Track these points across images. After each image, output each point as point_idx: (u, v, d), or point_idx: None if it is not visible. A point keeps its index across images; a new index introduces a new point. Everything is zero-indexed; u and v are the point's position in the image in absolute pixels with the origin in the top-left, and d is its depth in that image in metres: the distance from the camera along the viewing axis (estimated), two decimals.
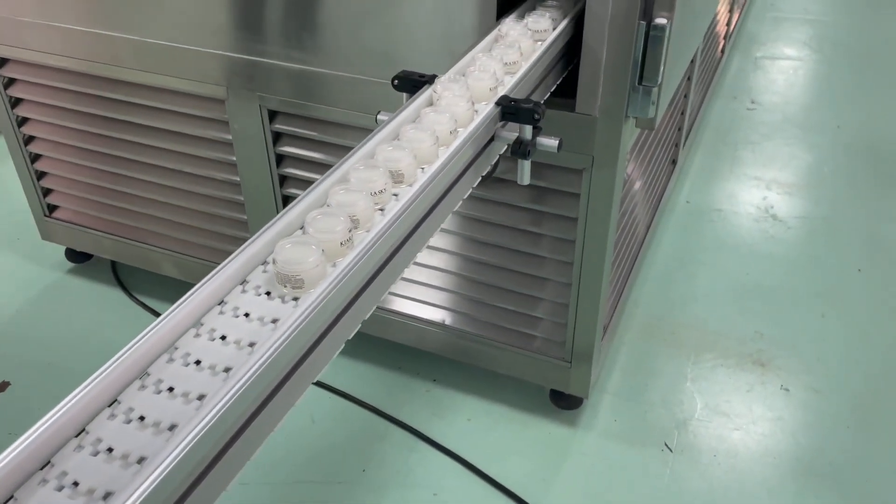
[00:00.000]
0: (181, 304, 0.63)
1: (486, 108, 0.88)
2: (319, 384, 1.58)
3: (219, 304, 0.67)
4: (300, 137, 1.44)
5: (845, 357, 1.67)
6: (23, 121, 1.70)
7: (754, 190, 2.26)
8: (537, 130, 0.89)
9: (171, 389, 0.59)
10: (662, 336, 1.72)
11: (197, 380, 0.60)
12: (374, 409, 1.54)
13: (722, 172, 2.35)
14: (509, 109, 0.88)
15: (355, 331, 0.72)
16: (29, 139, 1.73)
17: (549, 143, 0.91)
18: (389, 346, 1.62)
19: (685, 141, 2.14)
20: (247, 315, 0.66)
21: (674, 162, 2.08)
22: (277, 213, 1.53)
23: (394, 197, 0.79)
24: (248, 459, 0.61)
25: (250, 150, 1.48)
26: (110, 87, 1.54)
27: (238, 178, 1.53)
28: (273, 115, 1.43)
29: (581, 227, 1.26)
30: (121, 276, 1.89)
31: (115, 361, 0.58)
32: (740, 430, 1.50)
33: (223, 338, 0.64)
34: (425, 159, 0.82)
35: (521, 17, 1.11)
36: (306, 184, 1.46)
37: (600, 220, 1.24)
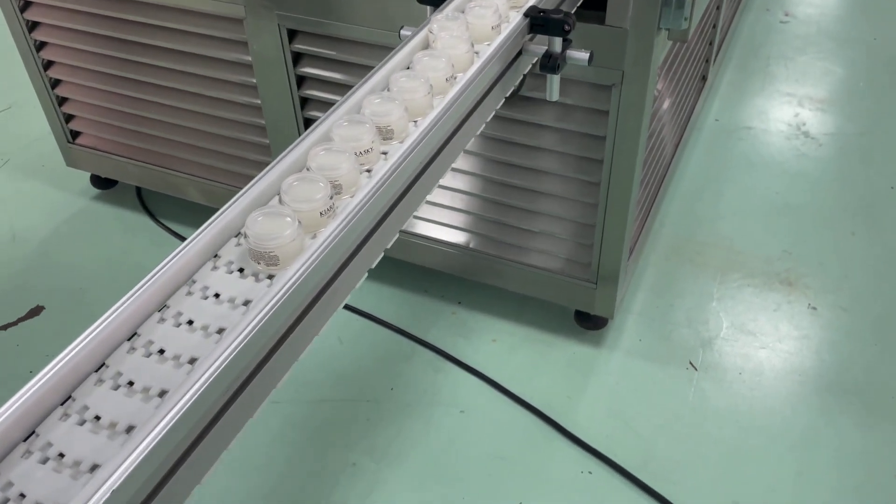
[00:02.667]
0: (144, 284, 0.58)
1: (515, 19, 0.84)
2: (346, 306, 1.60)
3: (187, 284, 0.62)
4: (321, 58, 1.41)
5: (874, 275, 1.65)
6: (41, 45, 1.68)
7: (786, 106, 2.20)
8: (567, 43, 0.86)
9: (117, 388, 0.55)
10: (689, 256, 1.71)
11: (159, 372, 0.56)
12: (401, 330, 1.56)
13: (753, 89, 2.28)
14: (538, 21, 0.85)
15: (344, 301, 0.67)
16: (48, 64, 1.71)
17: (579, 56, 0.88)
18: (414, 269, 1.62)
19: (716, 56, 2.07)
20: (217, 296, 0.60)
21: (704, 78, 2.02)
22: (300, 136, 1.52)
23: (382, 156, 0.71)
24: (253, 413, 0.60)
25: (270, 71, 1.45)
26: (127, 8, 1.51)
27: (259, 102, 1.51)
28: (292, 34, 1.40)
29: (609, 146, 1.24)
30: (146, 201, 1.90)
31: (66, 354, 0.55)
32: (766, 349, 1.50)
33: (189, 323, 0.58)
34: (418, 112, 0.75)
35: None
36: (328, 106, 1.44)
37: (629, 139, 1.21)
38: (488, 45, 0.83)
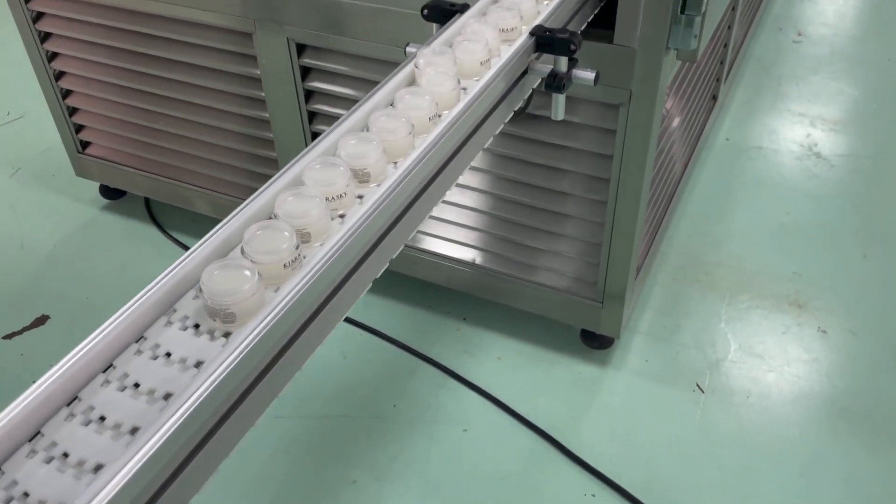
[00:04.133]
0: (90, 343, 0.54)
1: (520, 38, 0.84)
2: (350, 321, 1.59)
3: (137, 342, 0.57)
4: (329, 72, 1.41)
5: (885, 299, 1.63)
6: (53, 56, 1.70)
7: (797, 126, 2.18)
8: (573, 62, 0.86)
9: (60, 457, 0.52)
10: (697, 276, 1.69)
11: (97, 444, 0.52)
12: (405, 346, 1.55)
13: (764, 108, 2.26)
14: (544, 40, 0.84)
15: (303, 362, 0.62)
16: (60, 75, 1.72)
17: (585, 75, 0.87)
18: (420, 284, 1.61)
19: (727, 75, 2.06)
20: (168, 356, 0.56)
21: (714, 97, 2.01)
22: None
23: (358, 200, 0.66)
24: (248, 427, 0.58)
25: (279, 85, 1.45)
26: (139, 20, 1.52)
27: (267, 115, 1.52)
28: (301, 48, 1.40)
29: (616, 165, 1.23)
30: (154, 212, 1.91)
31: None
32: (774, 372, 1.48)
33: (136, 386, 0.54)
34: (398, 153, 0.71)
35: None
36: (335, 120, 1.44)
37: (636, 158, 1.20)
38: (477, 80, 0.79)
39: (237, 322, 0.56)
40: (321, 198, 0.63)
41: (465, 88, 0.78)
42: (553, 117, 0.92)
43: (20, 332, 1.60)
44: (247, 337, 0.54)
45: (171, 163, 1.73)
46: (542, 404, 1.43)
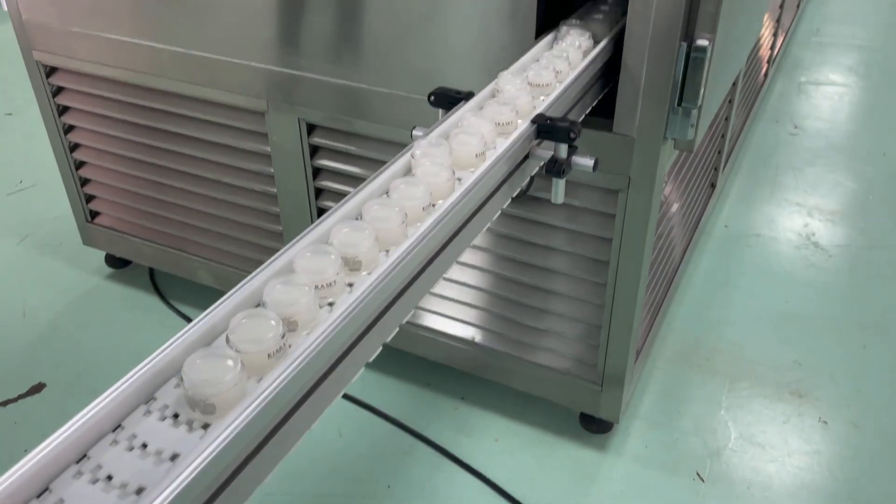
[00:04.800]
0: (63, 432, 0.53)
1: (522, 126, 0.87)
2: (347, 397, 1.58)
3: (113, 431, 0.56)
4: (337, 151, 1.45)
5: (886, 391, 1.62)
6: (69, 128, 1.75)
7: (795, 216, 2.22)
8: (573, 149, 0.89)
9: None
10: (697, 362, 1.68)
11: None
12: (401, 424, 1.53)
13: (762, 197, 2.30)
14: (545, 128, 0.87)
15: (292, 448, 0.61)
16: (74, 146, 1.77)
17: (584, 162, 0.90)
18: (418, 361, 1.61)
19: (725, 164, 2.11)
20: (144, 447, 0.54)
21: (713, 185, 2.05)
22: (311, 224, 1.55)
23: (348, 288, 0.66)
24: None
25: (288, 162, 1.49)
26: (154, 97, 1.58)
27: (275, 190, 1.55)
28: (311, 128, 1.44)
29: (616, 249, 1.25)
30: (158, 282, 1.92)
31: None
32: (775, 462, 1.46)
33: (108, 479, 0.52)
34: (390, 241, 0.71)
35: (560, 37, 1.11)
36: (341, 197, 1.47)
37: (635, 242, 1.22)
38: (472, 171, 0.81)
39: (217, 413, 0.55)
40: (310, 286, 0.63)
41: (459, 179, 0.80)
42: (553, 200, 0.95)
43: (15, 400, 1.59)
44: (225, 429, 0.52)
45: (176, 234, 1.75)
46: (539, 489, 1.40)
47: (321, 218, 0.72)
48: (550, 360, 1.43)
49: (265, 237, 1.64)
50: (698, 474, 1.43)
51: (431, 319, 1.52)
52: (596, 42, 1.10)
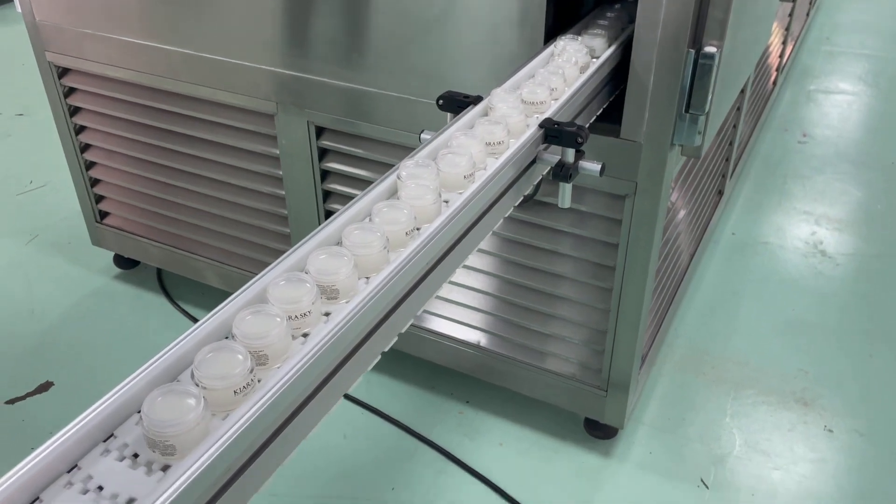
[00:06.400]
0: (16, 472, 0.50)
1: (530, 130, 0.87)
2: (352, 399, 1.59)
3: (69, 472, 0.52)
4: (345, 154, 1.46)
5: (893, 400, 1.61)
6: (80, 129, 1.76)
7: (803, 224, 2.21)
8: (580, 154, 0.89)
9: None
10: (703, 369, 1.68)
11: None
12: (406, 427, 1.54)
13: (770, 205, 2.30)
14: (552, 132, 0.88)
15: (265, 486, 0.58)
16: (85, 147, 1.78)
17: (591, 167, 0.90)
18: (423, 364, 1.61)
19: (732, 172, 2.11)
20: (100, 489, 0.51)
21: (720, 192, 2.05)
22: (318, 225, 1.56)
23: (324, 318, 0.63)
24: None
25: (296, 165, 1.50)
26: (165, 98, 1.59)
27: (283, 192, 1.56)
28: (320, 131, 1.45)
29: (622, 254, 1.25)
30: (165, 283, 1.93)
31: None
32: (780, 470, 1.45)
33: None
34: (370, 268, 0.68)
35: (558, 52, 1.11)
36: (349, 199, 1.48)
37: (642, 247, 1.23)
38: (460, 193, 0.78)
39: (177, 455, 0.52)
40: (283, 317, 0.60)
41: (447, 202, 0.78)
42: (559, 205, 0.95)
43: (23, 398, 1.60)
44: (184, 472, 0.49)
45: (185, 235, 1.76)
46: (543, 494, 1.40)
47: (298, 244, 0.69)
48: (555, 365, 1.43)
49: (273, 239, 1.64)
50: (703, 481, 1.43)
51: (436, 323, 1.52)
52: (595, 57, 1.09)
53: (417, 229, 0.74)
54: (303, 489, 1.41)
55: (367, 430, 1.54)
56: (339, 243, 0.71)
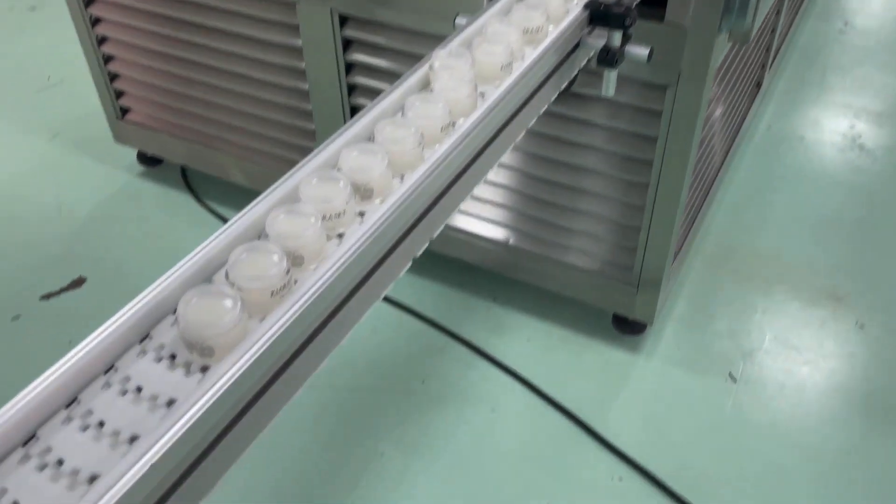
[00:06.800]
0: (51, 375, 0.49)
1: (574, 11, 0.82)
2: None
3: (105, 373, 0.52)
4: (371, 45, 1.40)
5: None
6: (96, 21, 1.70)
7: (841, 118, 2.14)
8: (627, 38, 0.84)
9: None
10: (733, 265, 1.67)
11: (51, 492, 0.46)
12: (435, 323, 1.55)
13: (808, 98, 2.22)
14: (598, 14, 0.82)
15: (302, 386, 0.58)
16: (102, 39, 1.73)
17: (638, 51, 0.85)
18: (452, 262, 1.61)
19: (772, 62, 2.01)
20: (139, 391, 0.51)
21: (758, 84, 1.97)
22: (345, 123, 1.52)
23: (359, 218, 0.61)
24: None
25: (320, 56, 1.45)
26: None
27: (307, 87, 1.51)
28: (344, 20, 1.39)
29: (660, 147, 1.21)
30: (190, 180, 1.92)
31: None
32: (809, 365, 1.46)
33: (100, 425, 0.49)
34: (405, 165, 0.65)
35: None
36: (375, 93, 1.43)
37: (682, 141, 1.18)
38: (496, 85, 0.74)
39: (216, 356, 0.51)
40: (317, 216, 0.58)
41: (482, 94, 0.74)
42: (603, 93, 0.91)
43: (57, 293, 1.62)
44: (224, 374, 0.49)
45: (208, 131, 1.73)
46: (571, 388, 1.42)
47: (328, 140, 0.66)
48: (585, 262, 1.42)
49: (297, 135, 1.61)
50: (731, 375, 1.43)
51: (464, 221, 1.50)
52: None
53: (453, 124, 0.70)
54: (333, 380, 1.44)
55: (397, 325, 1.55)
56: (370, 139, 0.68)
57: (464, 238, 1.51)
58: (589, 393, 1.41)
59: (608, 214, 1.35)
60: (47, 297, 1.62)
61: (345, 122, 1.48)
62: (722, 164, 1.75)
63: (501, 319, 1.56)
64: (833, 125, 2.11)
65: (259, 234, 0.60)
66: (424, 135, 0.67)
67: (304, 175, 0.63)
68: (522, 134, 0.82)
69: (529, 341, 1.52)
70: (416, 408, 1.39)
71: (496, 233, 1.48)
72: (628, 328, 1.50)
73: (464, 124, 0.69)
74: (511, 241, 1.47)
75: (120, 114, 1.84)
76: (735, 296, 1.59)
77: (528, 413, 1.38)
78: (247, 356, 0.50)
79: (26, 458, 0.48)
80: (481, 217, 1.48)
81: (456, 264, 1.63)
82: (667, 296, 1.52)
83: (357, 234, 0.58)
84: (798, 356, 1.47)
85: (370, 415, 1.38)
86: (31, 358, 1.45)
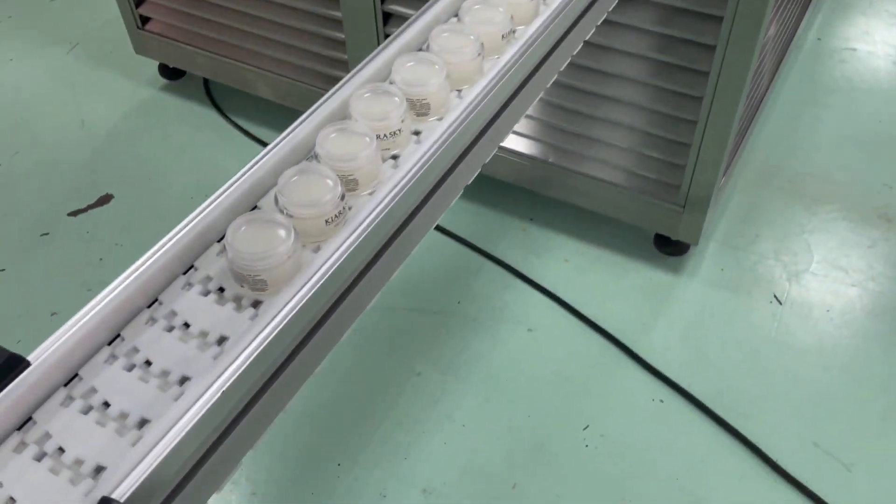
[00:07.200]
0: (98, 303, 0.46)
1: None
2: None
3: (149, 307, 0.48)
4: None
5: None
6: None
7: (894, 28, 2.02)
8: None
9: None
10: (780, 184, 1.60)
11: (94, 438, 0.44)
12: (470, 243, 1.51)
13: (859, 7, 2.09)
14: None
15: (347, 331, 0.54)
16: None
17: None
18: (485, 180, 1.56)
19: None
20: (186, 327, 0.47)
21: None
22: (377, 33, 1.44)
23: (414, 137, 0.55)
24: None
25: None
26: None
27: (340, 14, 1.43)
28: None
29: (719, 57, 1.13)
30: (214, 94, 1.86)
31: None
32: (857, 287, 1.41)
33: (147, 364, 0.46)
34: (463, 79, 0.59)
35: None
36: (408, 0, 1.35)
37: (742, 49, 1.11)
38: None
39: (269, 290, 0.47)
40: (371, 136, 0.53)
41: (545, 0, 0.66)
42: None
43: (85, 210, 1.59)
44: (281, 310, 0.45)
45: (232, 42, 1.66)
46: (610, 309, 1.39)
47: (380, 47, 0.60)
48: (630, 181, 1.36)
49: (326, 46, 1.53)
50: (776, 297, 1.40)
51: None
52: None
53: (513, 32, 0.64)
54: None
55: (431, 246, 1.51)
56: (424, 47, 0.61)
57: (499, 154, 1.45)
58: (628, 314, 1.38)
59: (659, 131, 1.28)
60: (75, 213, 1.59)
61: (377, 31, 1.41)
62: (772, 78, 1.66)
63: (538, 240, 1.52)
64: (886, 36, 1.99)
65: (307, 154, 0.55)
66: (484, 44, 0.61)
67: (354, 88, 0.57)
68: (582, 44, 0.75)
69: (567, 262, 1.48)
70: (452, 329, 1.37)
71: (534, 149, 1.42)
72: (671, 248, 1.46)
73: (526, 31, 0.63)
74: (550, 159, 1.41)
75: (140, 23, 1.76)
76: (781, 215, 1.54)
77: (566, 335, 1.36)
78: (303, 290, 0.47)
79: (69, 399, 0.45)
80: (518, 132, 1.42)
81: (490, 182, 1.58)
82: (712, 215, 1.47)
83: (414, 157, 0.54)
84: (846, 278, 1.43)
85: (405, 335, 1.36)
86: (63, 274, 1.44)
